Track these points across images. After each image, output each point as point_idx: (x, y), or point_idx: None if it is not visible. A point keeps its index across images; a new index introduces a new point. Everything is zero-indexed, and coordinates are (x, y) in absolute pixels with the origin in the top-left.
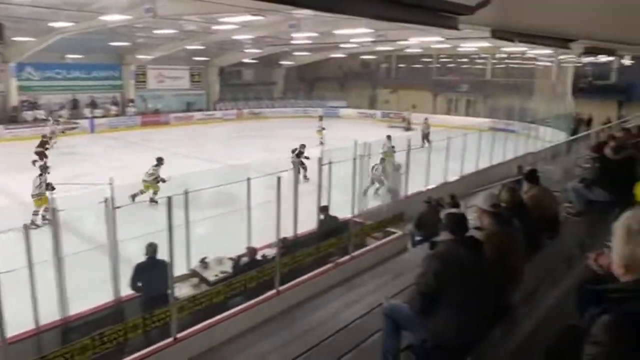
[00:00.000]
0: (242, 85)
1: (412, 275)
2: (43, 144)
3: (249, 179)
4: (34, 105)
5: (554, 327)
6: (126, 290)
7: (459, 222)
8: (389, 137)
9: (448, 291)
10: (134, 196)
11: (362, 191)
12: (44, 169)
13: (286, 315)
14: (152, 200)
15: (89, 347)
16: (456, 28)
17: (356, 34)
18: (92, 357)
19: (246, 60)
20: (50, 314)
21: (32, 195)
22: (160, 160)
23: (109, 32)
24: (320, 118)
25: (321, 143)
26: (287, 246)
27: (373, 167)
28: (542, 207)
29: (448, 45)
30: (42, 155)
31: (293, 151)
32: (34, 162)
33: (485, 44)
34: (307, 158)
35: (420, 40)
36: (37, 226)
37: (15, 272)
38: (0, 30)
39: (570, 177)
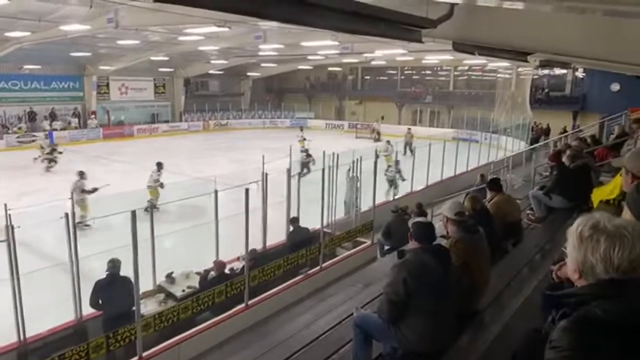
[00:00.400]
0: (208, 96)
1: (382, 284)
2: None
3: (216, 191)
4: None
5: (519, 331)
6: (88, 309)
7: (426, 231)
8: (388, 142)
9: (416, 299)
10: (152, 207)
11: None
12: (81, 174)
13: (257, 328)
14: (153, 207)
15: None
16: (419, 41)
17: (322, 46)
18: None
19: (212, 72)
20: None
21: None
22: (160, 165)
23: (69, 42)
24: (301, 129)
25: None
26: (256, 258)
27: (387, 170)
28: (505, 214)
29: (412, 58)
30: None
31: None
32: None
33: (447, 56)
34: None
35: (385, 52)
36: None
37: None
38: None
39: (531, 184)
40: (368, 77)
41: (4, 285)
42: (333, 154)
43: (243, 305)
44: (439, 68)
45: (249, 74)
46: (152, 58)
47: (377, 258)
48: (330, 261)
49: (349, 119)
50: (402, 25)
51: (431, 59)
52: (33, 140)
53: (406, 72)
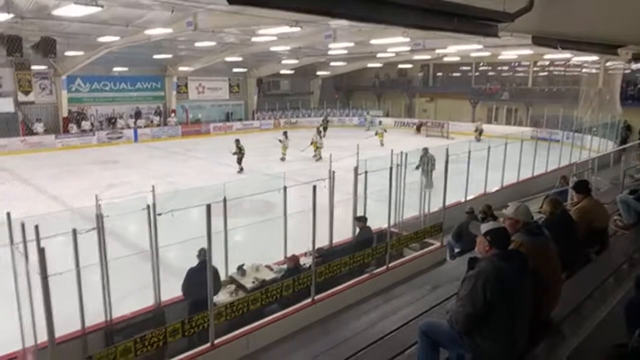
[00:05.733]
0: (279, 95)
1: (451, 287)
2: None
3: (285, 188)
4: (82, 116)
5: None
6: (166, 295)
7: (502, 237)
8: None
9: (494, 309)
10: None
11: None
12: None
13: (322, 324)
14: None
15: (131, 349)
16: (496, 36)
17: (393, 43)
18: None
19: (283, 71)
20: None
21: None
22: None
23: (153, 45)
24: (368, 127)
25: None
26: (323, 255)
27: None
28: (592, 219)
29: (488, 53)
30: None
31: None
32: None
33: (526, 51)
34: None
35: (458, 48)
36: None
37: (64, 275)
38: (53, 45)
39: (620, 188)
40: (440, 74)
41: (93, 269)
42: (402, 152)
43: (309, 300)
44: (516, 63)
45: (318, 73)
46: (227, 59)
47: (446, 260)
48: (397, 261)
49: (419, 117)
50: (477, 20)
51: (508, 54)
52: (120, 137)
53: (481, 68)
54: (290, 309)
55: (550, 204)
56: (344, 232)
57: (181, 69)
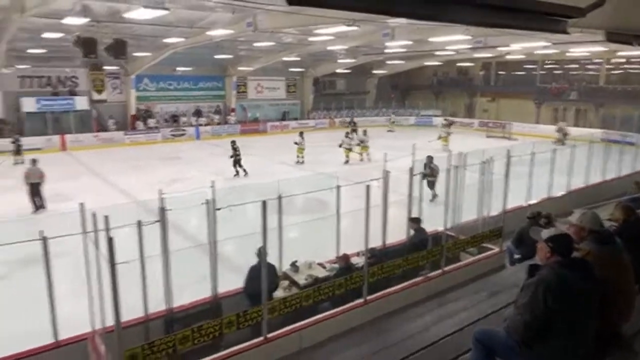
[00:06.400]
0: (335, 94)
1: (509, 294)
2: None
3: (338, 187)
4: (149, 114)
5: None
6: (223, 287)
7: (566, 243)
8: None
9: (557, 319)
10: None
11: None
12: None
13: (374, 325)
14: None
15: (189, 338)
16: (565, 32)
17: (453, 41)
18: (191, 348)
19: (339, 70)
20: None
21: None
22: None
23: (214, 45)
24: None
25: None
26: (376, 255)
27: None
28: None
29: (555, 50)
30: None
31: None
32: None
33: (598, 47)
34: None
35: (523, 45)
36: None
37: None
38: (124, 47)
39: None
40: (502, 72)
41: (156, 260)
42: (460, 153)
43: (362, 300)
44: (587, 61)
45: (374, 71)
46: (285, 59)
47: (505, 266)
48: (452, 265)
49: (479, 117)
50: (545, 15)
51: (578, 51)
52: (182, 134)
53: (547, 66)
54: (342, 307)
55: (623, 211)
56: (397, 233)
57: (241, 68)
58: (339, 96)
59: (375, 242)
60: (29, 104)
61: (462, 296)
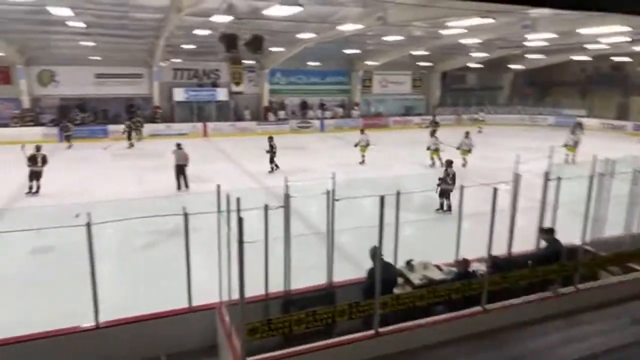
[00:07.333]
0: (464, 90)
1: None
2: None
3: (462, 187)
4: (280, 106)
5: None
6: (337, 277)
7: None
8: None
9: None
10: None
11: None
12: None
13: (492, 336)
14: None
15: (303, 320)
16: None
17: (607, 33)
18: (305, 331)
19: (471, 65)
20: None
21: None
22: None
23: (343, 40)
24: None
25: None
26: (498, 264)
27: None
28: None
29: None
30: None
31: None
32: None
33: None
34: None
35: None
36: None
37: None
38: (262, 42)
39: None
40: None
41: (278, 242)
42: (607, 159)
43: (480, 308)
44: None
45: (510, 66)
46: (413, 52)
47: None
48: (589, 283)
49: (634, 120)
50: None
51: None
52: (309, 127)
53: None
54: (458, 313)
55: None
56: (524, 242)
57: (367, 63)
58: (468, 92)
59: (499, 250)
60: (179, 94)
61: (598, 319)
